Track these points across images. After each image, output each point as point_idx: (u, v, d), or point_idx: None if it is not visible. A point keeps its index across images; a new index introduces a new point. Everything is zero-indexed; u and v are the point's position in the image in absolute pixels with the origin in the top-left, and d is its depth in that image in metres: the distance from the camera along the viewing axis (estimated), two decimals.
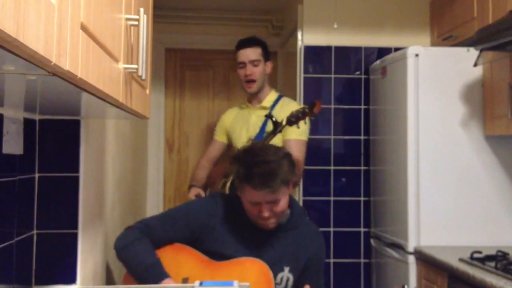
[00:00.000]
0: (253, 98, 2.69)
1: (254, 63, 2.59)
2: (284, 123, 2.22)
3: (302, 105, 2.23)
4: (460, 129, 2.54)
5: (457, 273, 2.03)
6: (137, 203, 3.20)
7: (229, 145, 2.82)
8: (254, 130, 2.61)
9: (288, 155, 1.74)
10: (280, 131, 2.28)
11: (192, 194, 2.62)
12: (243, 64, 2.60)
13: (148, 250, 1.69)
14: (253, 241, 1.77)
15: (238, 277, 1.62)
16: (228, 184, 2.48)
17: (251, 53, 2.59)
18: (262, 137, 2.51)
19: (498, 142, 2.53)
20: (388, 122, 2.83)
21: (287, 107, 2.55)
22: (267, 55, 2.65)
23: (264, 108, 2.62)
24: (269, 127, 2.52)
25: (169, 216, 1.81)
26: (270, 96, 2.66)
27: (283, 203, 1.71)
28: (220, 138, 2.84)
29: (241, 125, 2.69)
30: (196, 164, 2.96)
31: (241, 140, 2.63)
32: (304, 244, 1.82)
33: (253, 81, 2.60)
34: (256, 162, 1.67)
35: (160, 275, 1.63)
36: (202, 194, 2.62)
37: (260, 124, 2.60)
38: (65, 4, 0.63)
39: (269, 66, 2.66)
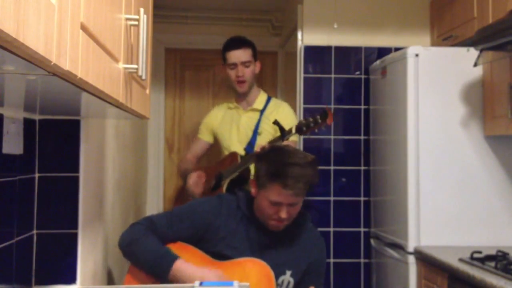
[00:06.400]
0: (241, 99, 2.70)
1: (245, 64, 2.60)
2: (293, 131, 2.19)
3: (311, 115, 2.17)
4: (460, 129, 2.53)
5: (457, 273, 2.03)
6: (137, 203, 3.20)
7: (213, 145, 2.82)
8: (246, 132, 2.62)
9: (315, 161, 1.76)
10: (288, 139, 2.26)
11: (193, 177, 2.50)
12: (234, 66, 2.61)
13: (157, 242, 1.70)
14: (257, 243, 1.78)
15: (240, 277, 1.62)
16: (225, 186, 2.46)
17: (242, 55, 2.61)
18: (255, 140, 2.54)
19: (498, 142, 2.53)
20: (388, 122, 2.83)
21: (279, 109, 2.60)
22: (256, 55, 2.67)
23: (255, 110, 2.65)
24: (263, 128, 2.56)
25: (174, 215, 1.81)
26: (261, 98, 2.69)
27: (299, 206, 1.75)
28: (204, 137, 2.83)
29: (230, 125, 2.69)
30: (182, 159, 2.93)
31: (232, 141, 2.63)
32: (306, 248, 1.83)
33: (244, 81, 2.61)
34: (290, 163, 1.68)
35: (172, 258, 1.64)
36: (203, 176, 2.52)
37: (252, 126, 2.61)
38: (65, 4, 0.63)
39: (258, 66, 2.67)
